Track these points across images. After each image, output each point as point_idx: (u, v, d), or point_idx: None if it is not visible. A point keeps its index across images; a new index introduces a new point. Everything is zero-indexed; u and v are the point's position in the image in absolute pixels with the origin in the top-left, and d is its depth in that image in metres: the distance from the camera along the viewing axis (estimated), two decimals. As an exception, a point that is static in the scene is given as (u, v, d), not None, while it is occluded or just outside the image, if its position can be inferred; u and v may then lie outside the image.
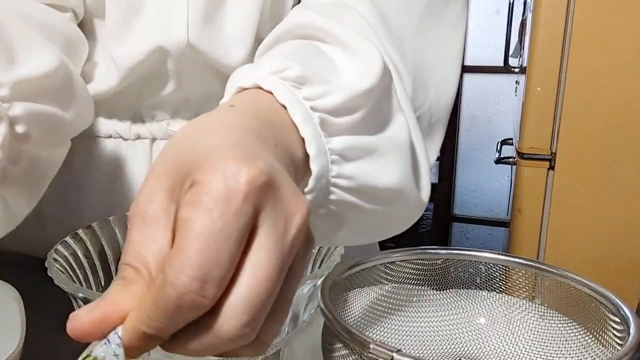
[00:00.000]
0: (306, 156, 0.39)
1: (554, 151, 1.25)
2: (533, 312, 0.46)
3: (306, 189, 0.40)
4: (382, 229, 0.53)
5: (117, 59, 0.56)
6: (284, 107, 0.38)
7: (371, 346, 0.35)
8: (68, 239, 0.50)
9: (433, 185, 2.35)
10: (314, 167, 0.39)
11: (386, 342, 0.36)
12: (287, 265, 0.28)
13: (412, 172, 0.50)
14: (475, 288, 0.48)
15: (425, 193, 0.51)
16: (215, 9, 0.54)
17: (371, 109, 0.44)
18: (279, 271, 0.27)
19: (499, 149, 1.61)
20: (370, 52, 0.45)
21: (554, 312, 0.45)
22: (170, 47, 0.54)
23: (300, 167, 0.38)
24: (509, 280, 0.47)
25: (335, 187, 0.43)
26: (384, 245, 0.73)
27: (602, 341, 0.41)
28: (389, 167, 0.46)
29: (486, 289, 0.48)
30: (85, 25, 0.60)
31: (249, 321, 0.27)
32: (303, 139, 0.38)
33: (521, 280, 0.46)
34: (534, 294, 0.46)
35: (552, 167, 1.26)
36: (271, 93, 0.38)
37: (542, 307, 0.46)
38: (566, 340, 0.44)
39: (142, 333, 0.27)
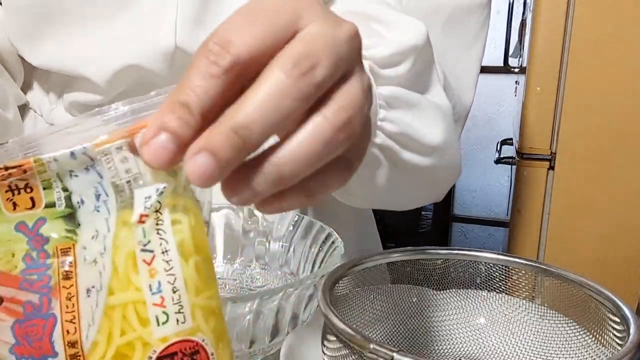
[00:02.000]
0: None
1: (554, 151, 1.25)
2: (533, 312, 0.46)
3: None
4: (418, 190, 0.55)
5: (104, 67, 0.56)
6: None
7: (371, 346, 0.35)
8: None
9: (433, 185, 2.35)
10: None
11: (386, 342, 0.36)
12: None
13: (454, 136, 0.52)
14: (475, 288, 0.48)
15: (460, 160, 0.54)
16: (205, 12, 0.54)
17: (415, 66, 0.47)
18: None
19: (498, 149, 1.61)
20: (415, 21, 0.47)
21: (554, 312, 0.45)
22: (159, 52, 0.54)
23: None
24: (509, 280, 0.47)
25: (380, 130, 0.45)
26: (384, 245, 0.73)
27: (602, 341, 0.41)
28: (433, 126, 0.48)
29: (486, 289, 0.48)
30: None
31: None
32: None
33: (521, 280, 0.46)
34: (534, 294, 0.46)
35: (552, 167, 1.26)
36: None
37: (542, 307, 0.46)
38: (566, 340, 0.44)
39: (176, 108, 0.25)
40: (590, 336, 0.42)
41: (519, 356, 0.45)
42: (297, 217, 0.56)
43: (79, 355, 0.26)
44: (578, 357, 0.43)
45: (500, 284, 0.47)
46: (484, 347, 0.47)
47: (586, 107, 1.21)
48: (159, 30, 0.54)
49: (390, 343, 0.46)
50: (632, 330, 0.37)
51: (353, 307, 0.46)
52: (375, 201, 0.55)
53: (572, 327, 0.44)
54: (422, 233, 2.33)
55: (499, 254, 0.47)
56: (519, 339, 0.46)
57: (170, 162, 0.25)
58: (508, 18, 1.43)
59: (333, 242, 0.51)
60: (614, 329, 0.40)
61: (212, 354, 0.27)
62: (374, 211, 0.76)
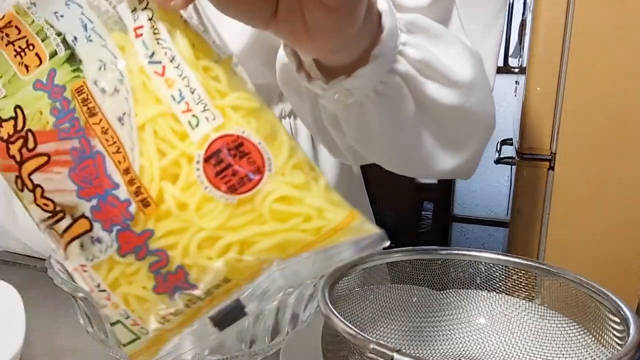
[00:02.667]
0: (374, 17, 0.39)
1: (554, 151, 1.25)
2: (533, 312, 0.46)
3: (376, 47, 0.40)
4: (447, 141, 0.50)
5: None
6: None
7: (371, 346, 0.35)
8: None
9: (432, 185, 2.35)
10: (386, 22, 0.40)
11: (386, 342, 0.36)
12: None
13: (485, 81, 0.50)
14: (475, 288, 0.48)
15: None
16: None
17: (436, 4, 0.46)
18: None
19: (498, 149, 1.61)
20: None
21: (554, 312, 0.45)
22: None
23: (365, 23, 0.38)
24: (509, 280, 0.47)
25: (402, 55, 0.43)
26: (384, 245, 0.73)
27: (602, 341, 0.41)
28: (459, 60, 0.46)
29: (486, 289, 0.48)
30: None
31: None
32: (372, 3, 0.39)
33: (521, 280, 0.46)
34: (534, 294, 0.46)
35: (552, 167, 1.26)
36: None
37: (542, 307, 0.46)
38: (566, 340, 0.44)
39: None
40: (590, 336, 0.42)
41: (519, 356, 0.45)
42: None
43: (134, 179, 0.27)
44: (578, 357, 0.43)
45: (500, 284, 0.47)
46: (484, 347, 0.47)
47: (586, 107, 1.21)
48: None
49: (390, 343, 0.46)
50: (632, 330, 0.37)
51: (353, 307, 0.46)
52: (398, 150, 0.50)
53: (572, 327, 0.44)
54: (422, 233, 2.33)
55: (499, 254, 0.47)
56: (519, 339, 0.46)
57: None
58: (508, 18, 1.43)
59: (333, 242, 0.51)
60: (614, 329, 0.40)
61: (260, 143, 0.27)
62: (374, 211, 0.76)
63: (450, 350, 0.47)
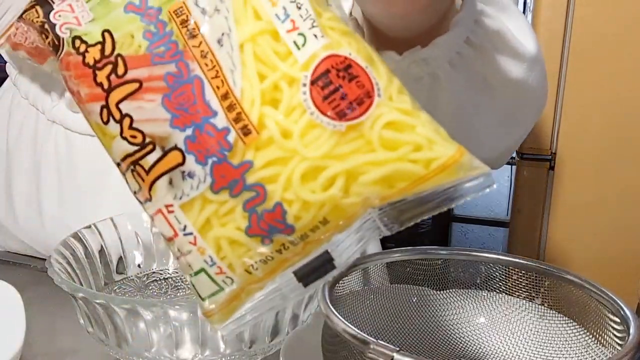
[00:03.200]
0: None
1: (554, 151, 1.25)
2: (533, 312, 0.46)
3: (458, 14, 0.39)
4: (503, 113, 0.50)
5: None
6: None
7: (371, 346, 0.35)
8: (68, 238, 0.50)
9: (433, 185, 2.35)
10: None
11: (386, 342, 0.36)
12: None
13: (542, 56, 0.48)
14: (475, 288, 0.48)
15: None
16: None
17: None
18: None
19: (499, 149, 1.61)
20: None
21: (554, 312, 0.45)
22: None
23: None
24: (509, 280, 0.47)
25: (479, 25, 0.42)
26: (384, 245, 0.73)
27: (602, 341, 0.41)
28: (525, 33, 0.45)
29: (486, 289, 0.48)
30: None
31: None
32: None
33: (521, 280, 0.46)
34: (534, 294, 0.46)
35: (552, 167, 1.26)
36: None
37: (542, 307, 0.46)
38: (566, 340, 0.44)
39: None
40: (590, 336, 0.42)
41: (519, 356, 0.45)
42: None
43: (235, 105, 0.25)
44: (578, 357, 0.43)
45: (500, 284, 0.47)
46: (484, 347, 0.47)
47: (586, 107, 1.21)
48: None
49: (390, 343, 0.46)
50: (632, 330, 0.37)
51: (353, 307, 0.46)
52: (457, 125, 0.49)
53: (572, 327, 0.44)
54: (422, 233, 2.33)
55: (499, 254, 0.47)
56: (519, 339, 0.46)
57: None
58: (508, 18, 1.43)
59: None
60: (614, 329, 0.40)
61: (367, 67, 0.25)
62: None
63: (450, 350, 0.47)
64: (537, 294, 0.46)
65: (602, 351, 0.41)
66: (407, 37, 0.39)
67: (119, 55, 0.26)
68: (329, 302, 0.39)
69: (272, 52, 0.25)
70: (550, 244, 1.31)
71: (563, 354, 0.44)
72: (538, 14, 1.20)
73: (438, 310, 0.49)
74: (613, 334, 0.40)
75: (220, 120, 0.25)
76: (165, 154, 0.26)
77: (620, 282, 1.25)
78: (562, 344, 0.44)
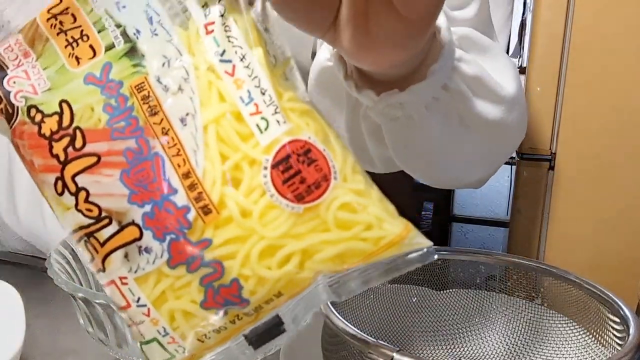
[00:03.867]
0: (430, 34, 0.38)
1: (554, 151, 1.25)
2: (533, 312, 0.46)
3: (435, 63, 0.39)
4: (482, 152, 0.51)
5: None
6: None
7: (371, 346, 0.35)
8: (68, 238, 0.50)
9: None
10: (445, 36, 0.39)
11: (386, 342, 0.36)
12: None
13: (521, 91, 0.49)
14: (475, 288, 0.48)
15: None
16: None
17: (480, 13, 0.45)
18: None
19: (499, 149, 1.61)
20: None
21: (554, 312, 0.45)
22: None
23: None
24: (509, 280, 0.47)
25: (456, 72, 0.42)
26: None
27: (602, 341, 0.41)
28: (505, 74, 0.46)
29: (486, 289, 0.48)
30: None
31: None
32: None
33: (521, 280, 0.46)
34: (534, 294, 0.46)
35: (552, 167, 1.26)
36: None
37: (542, 307, 0.46)
38: (566, 340, 0.44)
39: None
40: (590, 336, 0.42)
41: (519, 356, 0.45)
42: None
43: (196, 184, 0.25)
44: (578, 357, 0.43)
45: (500, 284, 0.47)
46: (484, 347, 0.47)
47: (586, 107, 1.21)
48: None
49: (390, 343, 0.46)
50: (632, 330, 0.37)
51: (353, 307, 0.46)
52: (432, 163, 0.50)
53: (572, 327, 0.44)
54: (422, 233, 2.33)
55: (499, 254, 0.47)
56: (519, 339, 0.46)
57: None
58: (508, 18, 1.43)
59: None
60: (614, 329, 0.40)
61: (324, 150, 0.26)
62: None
63: (450, 350, 0.47)
64: (537, 294, 0.46)
65: (602, 351, 0.41)
66: (389, 79, 0.40)
67: (77, 127, 0.26)
68: (329, 302, 0.39)
69: (235, 133, 0.25)
70: (550, 244, 1.31)
71: (563, 354, 0.44)
72: (538, 14, 1.20)
73: (438, 310, 0.49)
74: (613, 334, 0.40)
75: (180, 199, 0.25)
76: (122, 228, 0.26)
77: (620, 282, 1.25)
78: (562, 344, 0.44)
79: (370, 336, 0.36)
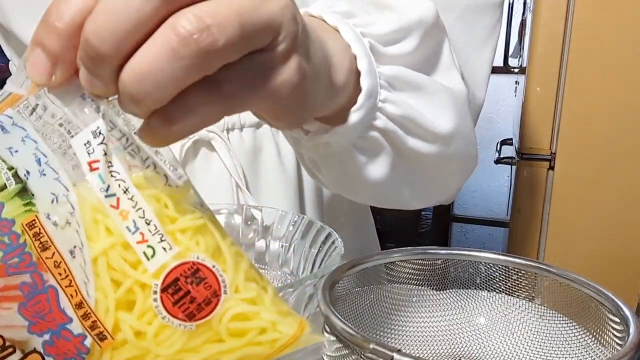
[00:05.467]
0: (353, 77, 0.39)
1: (554, 151, 1.25)
2: (533, 312, 0.46)
3: (354, 107, 0.40)
4: (426, 184, 0.51)
5: None
6: (335, 29, 0.38)
7: (371, 346, 0.35)
8: None
9: (433, 185, 2.35)
10: (365, 83, 0.39)
11: (386, 342, 0.36)
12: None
13: (468, 123, 0.49)
14: (475, 288, 0.48)
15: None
16: None
17: (422, 45, 0.44)
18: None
19: (498, 149, 1.61)
20: (423, 0, 0.45)
21: (554, 312, 0.45)
22: None
23: (338, 89, 0.38)
24: (509, 280, 0.47)
25: (381, 112, 0.42)
26: (384, 245, 0.73)
27: (602, 341, 0.41)
28: (441, 111, 0.45)
29: (486, 289, 0.48)
30: None
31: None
32: (351, 60, 0.38)
33: (521, 280, 0.46)
34: (534, 294, 0.46)
35: (552, 167, 1.26)
36: (321, 18, 0.38)
37: (542, 307, 0.46)
38: (566, 340, 0.44)
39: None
40: (590, 336, 0.42)
41: (519, 356, 0.46)
42: (296, 217, 0.56)
43: (89, 313, 0.27)
44: (578, 357, 0.43)
45: (500, 284, 0.47)
46: (484, 347, 0.47)
47: (586, 107, 1.21)
48: None
49: (390, 343, 0.46)
50: (632, 330, 0.37)
51: (353, 307, 0.46)
52: (377, 195, 0.51)
53: (572, 327, 0.44)
54: (422, 233, 2.33)
55: (499, 254, 0.47)
56: (519, 339, 0.46)
57: (46, 75, 0.27)
58: (508, 18, 1.43)
59: (333, 242, 0.51)
60: (614, 329, 0.40)
61: (214, 266, 0.27)
62: (373, 211, 0.76)
63: (450, 350, 0.47)
64: (537, 294, 0.46)
65: (602, 351, 0.41)
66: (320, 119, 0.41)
67: None
68: (329, 302, 0.39)
69: (124, 261, 0.27)
70: (550, 244, 1.31)
71: (563, 354, 0.44)
72: (538, 14, 1.21)
73: (438, 310, 0.49)
74: (613, 334, 0.40)
75: (76, 327, 0.27)
76: (25, 356, 0.28)
77: (620, 282, 1.25)
78: (562, 344, 0.44)
79: (370, 336, 0.36)
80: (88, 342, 0.27)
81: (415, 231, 2.30)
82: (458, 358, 0.47)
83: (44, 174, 0.28)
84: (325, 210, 0.69)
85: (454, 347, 0.47)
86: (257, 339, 0.28)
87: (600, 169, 1.23)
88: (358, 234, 0.72)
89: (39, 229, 0.27)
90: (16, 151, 0.28)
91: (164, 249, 0.27)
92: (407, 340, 0.47)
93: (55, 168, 0.28)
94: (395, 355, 0.34)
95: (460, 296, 0.49)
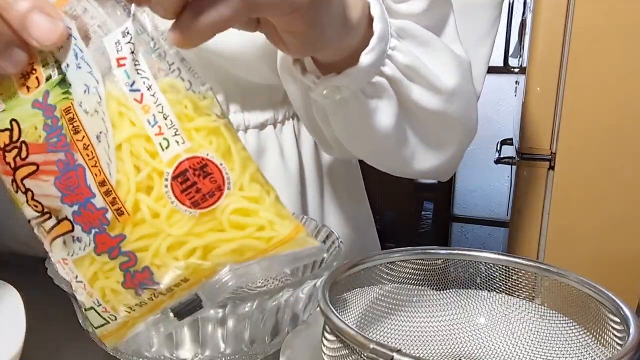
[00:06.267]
0: (365, 20, 0.42)
1: (554, 151, 1.25)
2: (533, 312, 0.46)
3: (366, 49, 0.42)
4: (427, 142, 0.53)
5: None
6: None
7: (371, 346, 0.35)
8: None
9: (432, 186, 2.35)
10: (377, 27, 0.42)
11: (386, 342, 0.36)
12: None
13: (470, 88, 0.51)
14: (475, 288, 0.48)
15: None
16: None
17: (429, 9, 0.46)
18: None
19: (498, 149, 1.61)
20: None
21: (554, 312, 0.45)
22: None
23: (351, 26, 0.40)
24: (509, 280, 0.47)
25: (390, 59, 0.45)
26: (384, 245, 0.73)
27: (602, 341, 0.41)
28: (446, 68, 0.48)
29: (486, 289, 0.48)
30: None
31: None
32: (364, 5, 0.41)
33: (521, 280, 0.46)
34: (534, 294, 0.46)
35: (552, 167, 1.26)
36: None
37: (542, 307, 0.46)
38: (566, 340, 0.44)
39: None
40: (590, 336, 0.42)
41: (519, 356, 0.46)
42: (298, 217, 0.56)
43: (110, 191, 0.31)
44: (578, 357, 0.43)
45: (500, 284, 0.47)
46: (484, 347, 0.47)
47: (586, 107, 1.21)
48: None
49: (390, 343, 0.46)
50: (632, 330, 0.37)
51: (353, 307, 0.46)
52: (380, 148, 0.52)
53: (572, 327, 0.44)
54: (422, 233, 2.33)
55: (499, 254, 0.47)
56: (519, 339, 0.46)
57: None
58: (508, 18, 1.44)
59: (333, 242, 0.51)
60: (614, 329, 0.40)
61: (221, 164, 0.31)
62: (373, 211, 0.77)
63: (450, 350, 0.47)
64: (537, 294, 0.46)
65: (602, 351, 0.41)
66: (332, 63, 0.43)
67: (23, 141, 0.33)
68: (329, 302, 0.39)
69: (144, 150, 0.31)
70: (550, 244, 1.31)
71: (563, 354, 0.44)
72: (538, 14, 1.21)
73: (438, 310, 0.49)
74: (613, 334, 0.40)
75: (99, 202, 0.31)
76: (58, 222, 0.32)
77: (620, 282, 1.25)
78: (562, 344, 0.44)
79: (370, 336, 0.36)
80: (109, 215, 0.31)
81: (415, 231, 2.30)
82: (458, 358, 0.47)
83: (79, 67, 0.32)
84: (326, 210, 0.69)
85: (454, 347, 0.47)
86: (255, 234, 0.31)
87: (600, 169, 1.23)
88: (358, 234, 0.72)
89: (73, 114, 0.31)
90: (62, 47, 0.32)
91: (177, 142, 0.30)
92: (407, 340, 0.47)
93: (89, 62, 0.32)
94: (395, 355, 0.34)
95: (460, 296, 0.49)
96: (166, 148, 0.30)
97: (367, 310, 0.47)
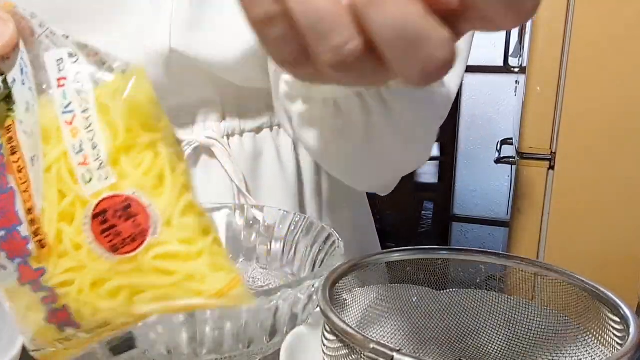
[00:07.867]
0: None
1: (554, 151, 1.25)
2: (533, 312, 0.46)
3: None
4: (410, 129, 0.53)
5: None
6: None
7: (371, 346, 0.35)
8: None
9: (432, 185, 2.35)
10: None
11: (386, 342, 0.36)
12: None
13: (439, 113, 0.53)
14: (475, 288, 0.48)
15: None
16: (200, 14, 0.54)
17: None
18: None
19: (498, 148, 1.61)
20: None
21: (554, 312, 0.45)
22: (154, 55, 0.54)
23: None
24: (509, 280, 0.47)
25: None
26: (384, 245, 0.73)
27: (602, 341, 0.41)
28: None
29: (486, 289, 0.48)
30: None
31: None
32: None
33: (521, 280, 0.46)
34: (534, 294, 0.46)
35: (552, 167, 1.26)
36: None
37: (542, 307, 0.46)
38: (566, 340, 0.44)
39: None
40: (590, 336, 0.42)
41: (519, 356, 0.45)
42: (298, 217, 0.56)
43: (35, 219, 0.29)
44: (578, 357, 0.43)
45: (500, 284, 0.47)
46: (484, 347, 0.47)
47: (586, 107, 1.21)
48: (154, 34, 0.54)
49: (390, 343, 0.46)
50: (632, 330, 0.37)
51: (353, 307, 0.46)
52: (367, 145, 0.52)
53: (572, 327, 0.44)
54: (422, 233, 2.33)
55: (499, 254, 0.47)
56: (519, 339, 0.46)
57: None
58: (508, 18, 1.43)
59: (333, 243, 0.51)
60: (614, 329, 0.40)
61: (150, 205, 0.28)
62: (373, 211, 0.76)
63: (450, 350, 0.47)
64: (537, 294, 0.46)
65: (602, 351, 0.41)
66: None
67: None
68: (329, 302, 0.39)
69: (69, 174, 0.28)
70: (550, 244, 1.31)
71: (563, 354, 0.44)
72: (538, 14, 1.21)
73: (438, 310, 0.49)
74: (613, 333, 0.40)
75: (24, 230, 0.29)
76: None
77: (620, 282, 1.25)
78: (562, 344, 0.44)
79: (370, 336, 0.36)
80: (31, 246, 0.29)
81: (415, 231, 2.30)
82: (458, 358, 0.47)
83: (24, 83, 0.29)
84: (324, 212, 0.69)
85: (454, 347, 0.47)
86: (184, 284, 0.28)
87: (600, 169, 1.23)
88: (358, 234, 0.72)
89: (13, 134, 0.29)
90: (8, 58, 0.30)
91: (100, 176, 0.28)
92: (407, 340, 0.47)
93: (31, 78, 0.29)
94: (395, 355, 0.34)
95: (460, 296, 0.49)
96: (88, 182, 0.28)
97: (367, 310, 0.47)
